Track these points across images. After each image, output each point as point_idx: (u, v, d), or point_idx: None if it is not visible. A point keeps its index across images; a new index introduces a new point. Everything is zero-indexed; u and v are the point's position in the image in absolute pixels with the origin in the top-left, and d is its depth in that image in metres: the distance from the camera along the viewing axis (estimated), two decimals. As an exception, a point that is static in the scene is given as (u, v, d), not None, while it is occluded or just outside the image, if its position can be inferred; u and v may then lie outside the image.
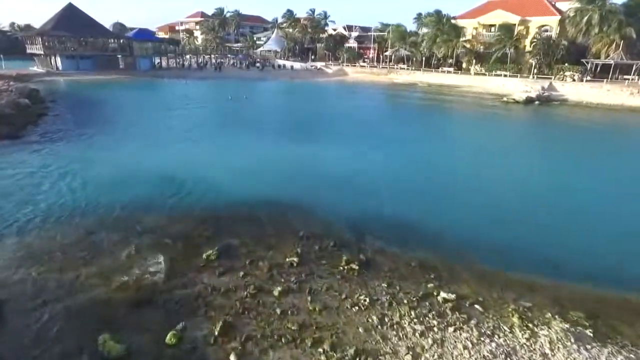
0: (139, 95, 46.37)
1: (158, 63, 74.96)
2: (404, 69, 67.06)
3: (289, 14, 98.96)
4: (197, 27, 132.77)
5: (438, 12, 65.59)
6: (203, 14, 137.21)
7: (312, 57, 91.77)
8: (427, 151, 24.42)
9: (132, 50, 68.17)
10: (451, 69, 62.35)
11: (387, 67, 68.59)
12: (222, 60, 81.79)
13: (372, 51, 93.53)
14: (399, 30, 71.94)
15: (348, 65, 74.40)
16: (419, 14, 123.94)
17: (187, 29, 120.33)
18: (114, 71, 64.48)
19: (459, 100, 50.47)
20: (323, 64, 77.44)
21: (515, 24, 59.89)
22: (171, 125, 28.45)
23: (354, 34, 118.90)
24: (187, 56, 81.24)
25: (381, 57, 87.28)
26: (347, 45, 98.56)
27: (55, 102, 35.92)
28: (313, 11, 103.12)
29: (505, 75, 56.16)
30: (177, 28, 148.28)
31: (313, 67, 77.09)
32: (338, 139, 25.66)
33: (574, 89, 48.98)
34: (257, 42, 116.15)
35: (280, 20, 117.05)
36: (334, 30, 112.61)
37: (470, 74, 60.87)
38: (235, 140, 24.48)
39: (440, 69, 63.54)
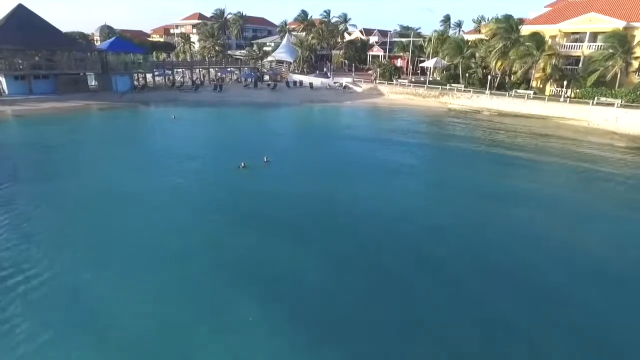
0: (95, 146, 29.50)
1: (142, 79, 58.05)
2: (461, 89, 50.31)
3: (303, 16, 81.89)
4: (195, 30, 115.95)
5: (508, 18, 48.65)
6: (201, 16, 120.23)
7: (331, 68, 74.91)
8: None
9: (106, 66, 51.21)
10: (530, 92, 45.58)
11: (438, 88, 51.76)
12: (223, 75, 64.78)
13: (402, 61, 76.97)
14: (454, 40, 54.98)
15: (383, 83, 57.60)
16: (447, 17, 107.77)
17: (183, 32, 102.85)
18: (81, 95, 47.68)
19: (563, 140, 34.20)
20: (350, 80, 60.65)
21: (619, 31, 43.08)
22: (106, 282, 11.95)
23: (373, 38, 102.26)
24: (180, 70, 64.07)
25: (418, 69, 70.89)
26: (371, 53, 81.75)
27: None
28: (328, 13, 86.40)
29: (618, 105, 39.39)
30: (172, 31, 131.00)
31: (337, 85, 60.31)
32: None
33: None
34: (264, 47, 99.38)
35: (290, 22, 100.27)
36: (349, 34, 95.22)
37: (558, 100, 44.01)
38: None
39: (513, 92, 46.77)
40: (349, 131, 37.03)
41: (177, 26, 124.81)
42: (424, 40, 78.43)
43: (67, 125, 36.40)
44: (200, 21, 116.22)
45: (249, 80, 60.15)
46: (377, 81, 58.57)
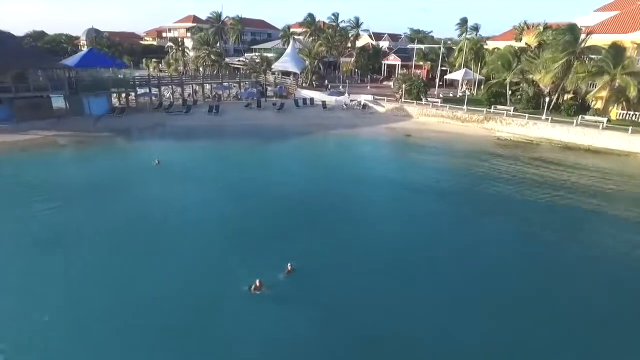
0: (26, 224, 19.51)
1: (123, 100, 48.14)
2: (511, 113, 40.56)
3: (310, 20, 71.91)
4: (189, 34, 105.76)
5: (572, 27, 38.94)
6: (195, 19, 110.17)
7: (344, 79, 65.16)
8: None
9: (75, 85, 41.23)
10: (604, 120, 35.90)
11: (482, 111, 41.80)
12: (220, 91, 54.70)
13: (422, 71, 67.30)
14: (502, 52, 45.07)
15: (410, 102, 47.77)
16: (464, 20, 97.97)
17: (175, 37, 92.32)
18: (43, 123, 37.76)
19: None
20: (369, 97, 50.84)
21: None
22: None
23: (384, 43, 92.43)
24: (168, 88, 53.82)
25: (441, 81, 61.09)
26: (386, 62, 72.00)
27: None
28: (337, 16, 76.56)
29: None
30: (164, 35, 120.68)
31: (354, 103, 50.57)
32: None
33: None
34: (266, 54, 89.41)
35: (292, 25, 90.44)
36: (357, 39, 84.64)
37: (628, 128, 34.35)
38: None
39: (579, 118, 37.17)
40: (388, 183, 27.35)
41: (169, 29, 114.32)
42: (446, 48, 68.88)
43: (9, 174, 26.46)
44: (194, 24, 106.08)
45: (252, 98, 49.97)
46: (402, 99, 48.75)
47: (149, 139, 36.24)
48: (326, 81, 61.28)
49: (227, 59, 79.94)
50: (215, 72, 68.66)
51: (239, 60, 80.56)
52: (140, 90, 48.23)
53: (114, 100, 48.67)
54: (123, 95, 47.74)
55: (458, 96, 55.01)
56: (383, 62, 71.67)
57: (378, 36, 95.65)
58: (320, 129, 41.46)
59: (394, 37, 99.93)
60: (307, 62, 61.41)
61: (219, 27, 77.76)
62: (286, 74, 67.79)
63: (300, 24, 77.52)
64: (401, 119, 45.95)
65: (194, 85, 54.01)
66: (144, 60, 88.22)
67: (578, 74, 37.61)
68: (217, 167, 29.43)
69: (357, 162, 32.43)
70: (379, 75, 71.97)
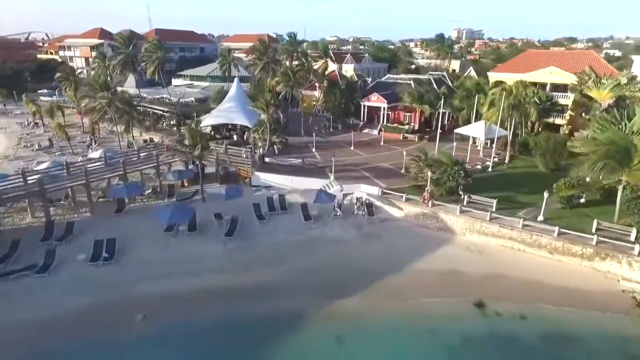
0: None
1: None
2: None
3: (262, 50, 49.76)
4: (94, 53, 78.66)
5: None
6: (103, 33, 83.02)
7: (309, 126, 44.38)
8: None
9: None
10: None
11: (591, 239, 23.30)
12: (123, 197, 30.74)
13: (411, 116, 49.22)
14: (610, 140, 26.40)
15: (444, 204, 28.45)
16: (441, 36, 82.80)
17: (68, 66, 65.01)
18: None
19: None
20: (374, 190, 30.80)
21: None
22: None
23: (348, 67, 72.79)
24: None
25: (440, 128, 42.42)
26: (367, 103, 52.01)
27: None
28: (294, 37, 56.03)
29: None
30: (62, 54, 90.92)
31: (352, 201, 30.45)
32: None
33: None
34: (198, 82, 66.19)
35: (227, 38, 67.90)
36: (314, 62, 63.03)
37: None
38: None
39: None
40: None
41: (68, 47, 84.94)
42: (446, 85, 51.10)
43: None
44: (101, 41, 79.12)
45: (183, 216, 27.11)
46: (427, 193, 29.15)
47: None
48: (305, 159, 38.40)
49: (142, 98, 55.31)
50: (124, 127, 44.69)
51: (161, 98, 56.69)
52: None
53: None
54: None
55: (489, 169, 36.76)
56: (363, 103, 51.69)
57: (340, 57, 75.61)
58: (312, 299, 20.73)
59: (356, 58, 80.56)
60: (264, 116, 39.81)
61: (129, 55, 52.83)
62: (232, 128, 45.90)
63: (247, 52, 55.22)
64: (438, 240, 26.55)
65: (73, 187, 29.70)
66: (23, 96, 60.44)
67: None
68: None
69: None
70: (358, 120, 52.20)
